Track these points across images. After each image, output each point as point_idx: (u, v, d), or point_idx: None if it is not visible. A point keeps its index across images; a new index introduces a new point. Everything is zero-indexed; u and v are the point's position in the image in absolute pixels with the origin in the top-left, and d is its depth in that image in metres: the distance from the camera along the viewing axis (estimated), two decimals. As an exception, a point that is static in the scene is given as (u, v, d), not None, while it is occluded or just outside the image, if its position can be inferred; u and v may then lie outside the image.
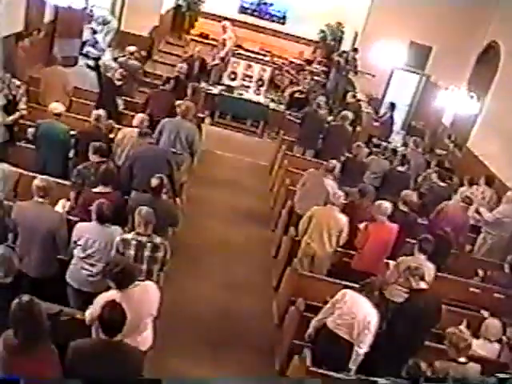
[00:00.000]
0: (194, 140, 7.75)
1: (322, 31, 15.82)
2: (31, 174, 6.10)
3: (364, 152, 8.76)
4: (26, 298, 3.59)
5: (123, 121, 8.52)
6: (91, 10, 12.43)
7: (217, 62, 13.00)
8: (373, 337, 5.00)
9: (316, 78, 14.09)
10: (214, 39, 14.38)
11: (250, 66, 12.89)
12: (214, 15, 15.55)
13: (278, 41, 15.98)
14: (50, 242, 5.06)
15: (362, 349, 5.01)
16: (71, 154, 6.94)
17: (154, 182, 5.73)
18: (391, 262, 6.37)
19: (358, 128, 11.47)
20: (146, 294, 4.41)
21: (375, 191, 7.88)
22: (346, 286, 5.45)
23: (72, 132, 6.99)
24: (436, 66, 13.53)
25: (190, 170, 8.57)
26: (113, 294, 4.18)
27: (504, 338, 5.84)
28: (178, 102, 8.48)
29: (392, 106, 11.94)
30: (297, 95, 12.81)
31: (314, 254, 6.58)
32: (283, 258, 7.19)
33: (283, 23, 16.40)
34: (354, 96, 12.26)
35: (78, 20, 11.35)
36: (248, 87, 12.75)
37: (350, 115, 9.84)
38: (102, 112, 7.12)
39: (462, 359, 4.68)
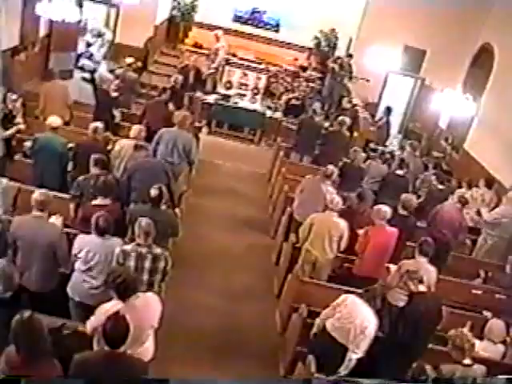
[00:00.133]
0: (191, 149, 7.76)
1: (316, 38, 15.85)
2: (30, 188, 6.09)
3: (361, 157, 8.76)
4: (26, 314, 3.57)
5: (120, 132, 8.53)
6: (85, 23, 12.48)
7: (211, 71, 13.05)
8: (369, 343, 4.94)
9: (311, 84, 14.10)
10: (208, 48, 14.40)
11: (245, 75, 12.95)
12: (208, 25, 15.59)
13: (273, 48, 15.98)
14: (51, 255, 5.03)
15: (356, 354, 4.93)
16: (69, 166, 6.93)
17: (153, 192, 5.73)
18: (392, 266, 6.36)
19: (355, 133, 11.49)
20: (148, 306, 4.40)
21: (374, 195, 7.88)
22: (348, 292, 5.42)
23: (70, 145, 7.00)
24: (431, 69, 13.56)
25: (189, 179, 8.57)
26: (114, 305, 4.16)
27: (508, 338, 5.80)
28: (175, 113, 8.50)
29: (388, 110, 11.94)
30: (293, 102, 12.85)
31: (316, 260, 6.57)
32: (284, 265, 7.18)
33: (277, 31, 16.45)
34: (350, 101, 12.30)
35: (73, 33, 11.41)
36: (244, 95, 12.79)
37: (348, 120, 9.85)
38: (99, 124, 7.13)
39: (467, 361, 4.66)
